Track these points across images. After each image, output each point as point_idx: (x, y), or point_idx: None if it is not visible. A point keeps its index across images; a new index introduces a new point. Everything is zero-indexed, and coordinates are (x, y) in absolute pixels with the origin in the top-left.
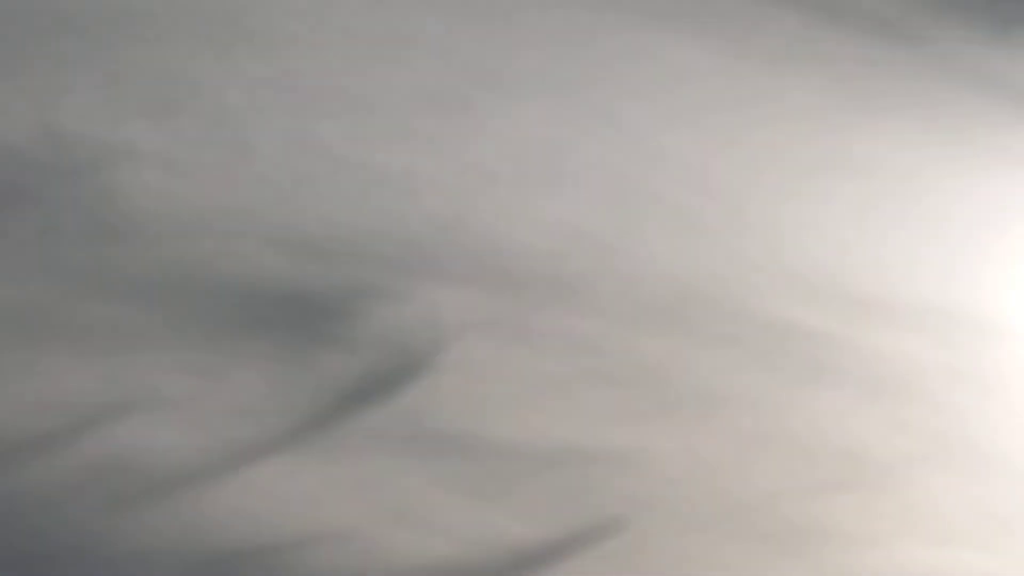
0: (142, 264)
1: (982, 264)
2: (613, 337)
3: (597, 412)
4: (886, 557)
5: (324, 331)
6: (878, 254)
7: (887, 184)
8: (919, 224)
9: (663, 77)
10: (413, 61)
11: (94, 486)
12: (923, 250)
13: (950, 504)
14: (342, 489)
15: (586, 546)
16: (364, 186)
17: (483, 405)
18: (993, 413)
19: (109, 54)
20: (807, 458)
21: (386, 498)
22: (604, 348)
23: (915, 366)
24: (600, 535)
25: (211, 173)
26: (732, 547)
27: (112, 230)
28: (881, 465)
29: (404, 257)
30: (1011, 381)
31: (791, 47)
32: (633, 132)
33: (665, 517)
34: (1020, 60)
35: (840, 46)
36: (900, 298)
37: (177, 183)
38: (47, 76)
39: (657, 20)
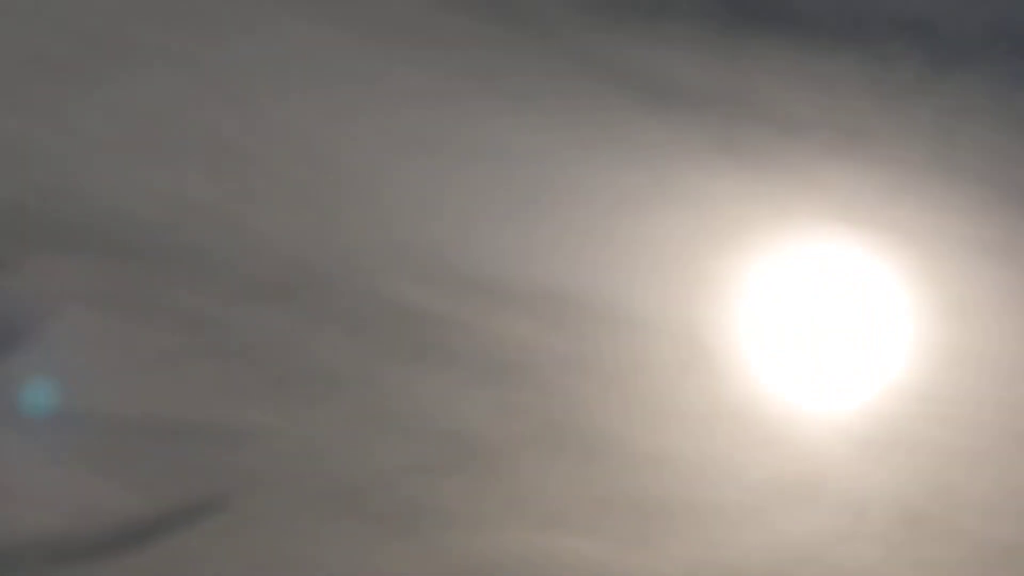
0: None
1: (600, 252)
2: (225, 312)
3: (208, 387)
4: (494, 539)
5: None
6: (497, 238)
7: (510, 168)
8: (539, 210)
9: (282, 51)
10: (23, 27)
11: None
12: (542, 236)
13: (559, 488)
14: None
15: (195, 520)
16: None
17: (91, 377)
18: (604, 399)
19: None
20: (417, 439)
21: None
22: (216, 322)
23: (528, 350)
24: (210, 510)
25: None
26: (340, 526)
27: None
28: (491, 448)
29: (9, 226)
30: (623, 368)
31: (417, 27)
32: (250, 106)
33: (274, 494)
34: (646, 53)
35: (467, 28)
36: (516, 283)
37: None
38: None
39: None
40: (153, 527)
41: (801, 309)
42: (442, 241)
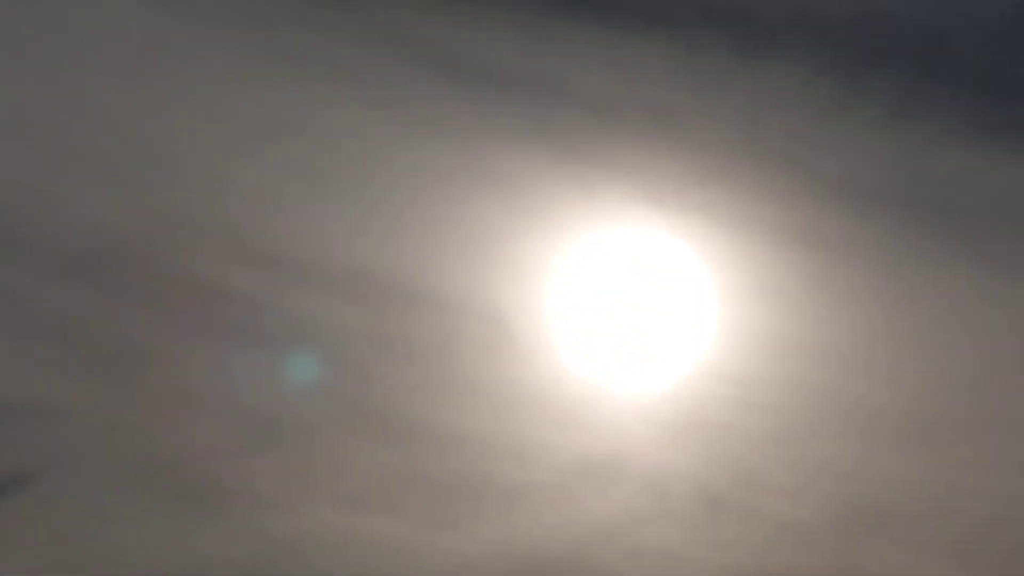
0: None
1: (408, 232)
2: (33, 288)
3: (14, 363)
4: (300, 519)
5: None
6: (303, 216)
7: (315, 147)
8: (348, 188)
9: (94, 25)
10: None
11: None
12: (350, 215)
13: (365, 468)
14: None
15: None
16: None
17: None
18: (409, 379)
19: None
20: (223, 418)
21: None
22: (23, 299)
23: (334, 330)
24: (13, 488)
25: None
26: (147, 505)
27: None
28: (297, 427)
29: None
30: (428, 349)
31: (222, 4)
32: (61, 81)
33: (80, 472)
34: (457, 33)
35: (274, 7)
36: (323, 262)
37: None
38: None
39: None
40: None
41: (607, 291)
42: (250, 220)
